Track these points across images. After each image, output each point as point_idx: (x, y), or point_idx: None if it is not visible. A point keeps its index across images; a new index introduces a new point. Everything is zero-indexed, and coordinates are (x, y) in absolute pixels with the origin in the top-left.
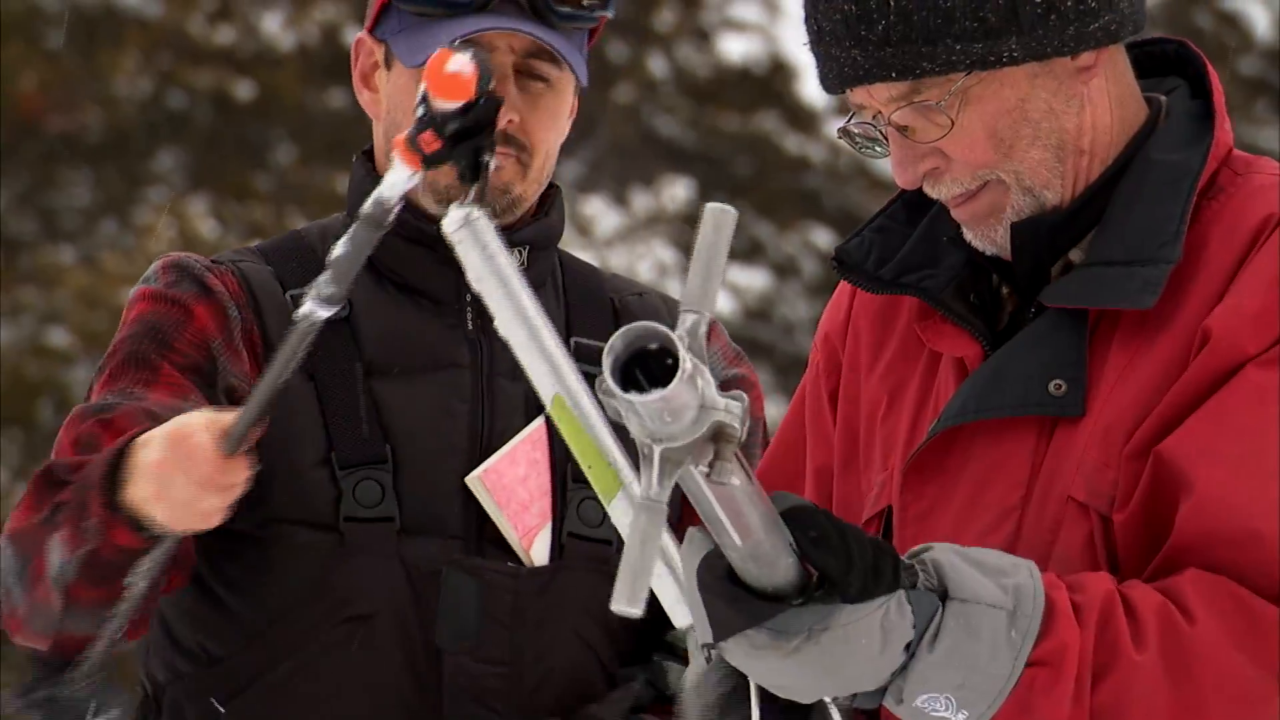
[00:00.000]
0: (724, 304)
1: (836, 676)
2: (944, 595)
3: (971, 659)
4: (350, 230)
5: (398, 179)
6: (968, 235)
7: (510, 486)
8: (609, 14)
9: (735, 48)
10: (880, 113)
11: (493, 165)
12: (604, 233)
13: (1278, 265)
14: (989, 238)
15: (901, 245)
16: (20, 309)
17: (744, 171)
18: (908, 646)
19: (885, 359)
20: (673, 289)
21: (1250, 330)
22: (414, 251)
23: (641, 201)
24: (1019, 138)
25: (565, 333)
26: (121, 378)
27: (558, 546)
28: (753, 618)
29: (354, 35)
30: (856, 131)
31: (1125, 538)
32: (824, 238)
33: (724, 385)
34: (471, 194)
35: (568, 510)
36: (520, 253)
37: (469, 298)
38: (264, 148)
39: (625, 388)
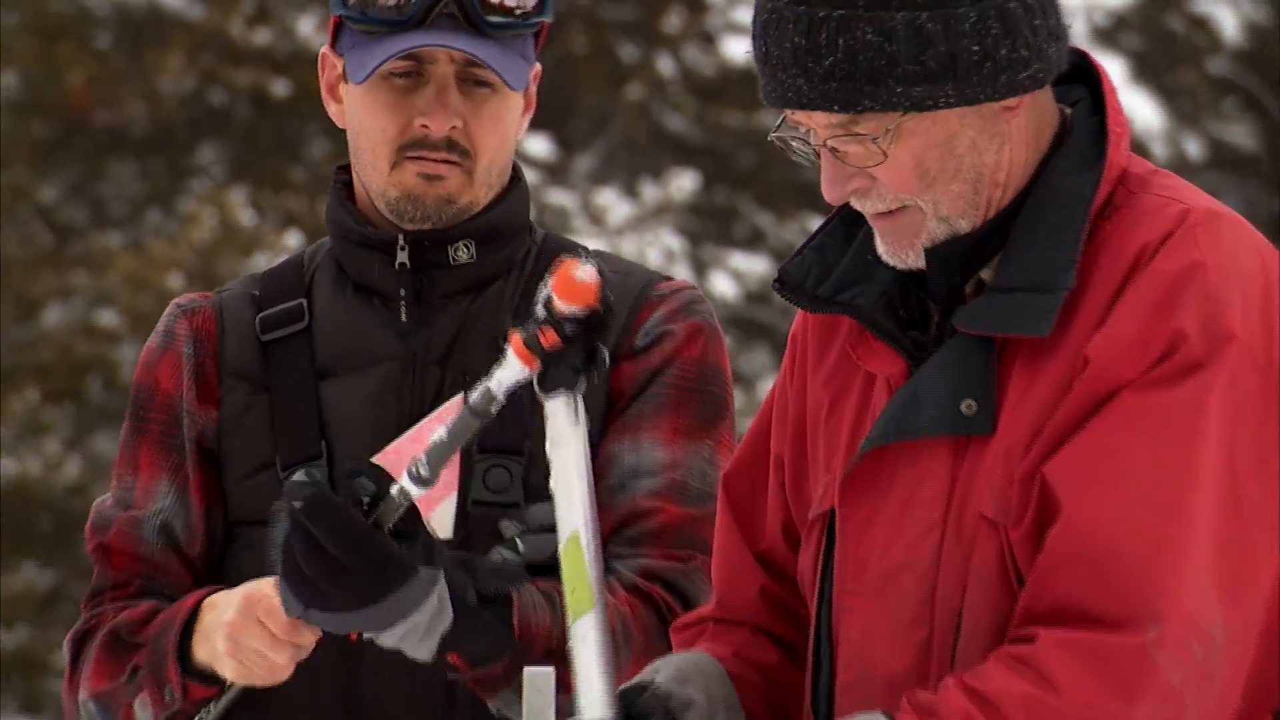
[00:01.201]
0: (728, 287)
1: None
2: None
3: None
4: (453, 420)
5: (508, 376)
6: (880, 249)
7: (405, 461)
8: (547, 19)
9: (738, 49)
10: (816, 132)
11: (605, 359)
12: (615, 222)
13: (1153, 292)
14: (900, 257)
15: (839, 261)
16: (71, 291)
17: (746, 165)
18: None
19: (828, 365)
20: (679, 273)
21: (1126, 357)
22: (370, 255)
23: (650, 192)
24: (943, 171)
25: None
26: (122, 465)
27: (463, 514)
28: None
29: None
30: (792, 141)
31: (1021, 554)
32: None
33: (649, 346)
34: (581, 382)
35: (473, 480)
36: (467, 247)
37: (403, 292)
38: (298, 142)
39: None
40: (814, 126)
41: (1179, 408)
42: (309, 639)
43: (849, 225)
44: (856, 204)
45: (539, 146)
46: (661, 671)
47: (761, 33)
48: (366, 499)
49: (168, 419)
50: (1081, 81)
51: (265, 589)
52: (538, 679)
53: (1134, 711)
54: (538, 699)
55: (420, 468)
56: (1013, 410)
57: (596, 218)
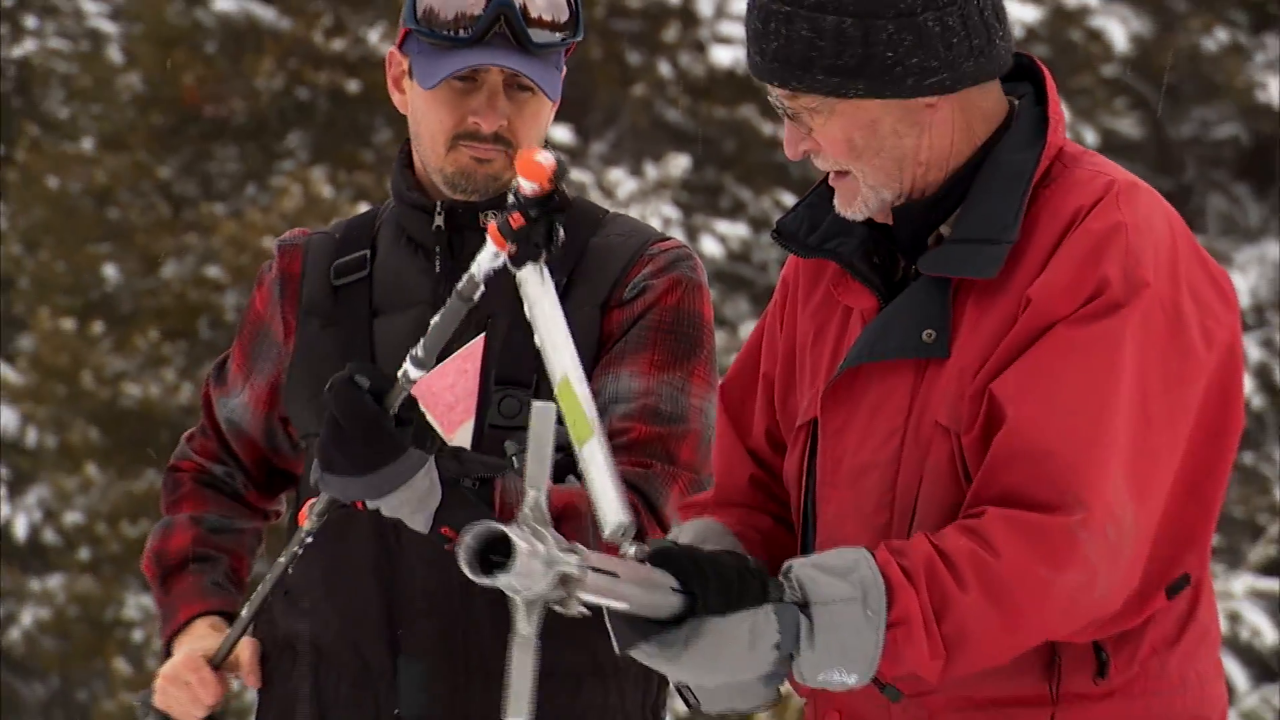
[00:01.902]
0: (714, 248)
1: (714, 670)
2: (807, 603)
3: (842, 643)
4: (446, 304)
5: (486, 259)
6: (836, 205)
7: (437, 393)
8: (579, 38)
9: (724, 55)
10: (780, 101)
11: (560, 236)
12: (623, 195)
13: (1083, 246)
14: (846, 211)
15: (825, 217)
16: (185, 249)
17: (729, 150)
18: (777, 645)
19: (814, 301)
20: (674, 233)
21: (1060, 297)
22: (416, 215)
23: (651, 172)
24: (868, 148)
25: (563, 275)
26: (232, 349)
27: (480, 434)
28: (640, 635)
29: None
30: (776, 104)
31: (970, 455)
32: (789, 199)
33: (634, 297)
34: (545, 254)
35: (489, 407)
36: (495, 214)
37: (438, 248)
38: (367, 130)
39: (487, 570)
40: (778, 96)
41: (1102, 339)
42: (214, 698)
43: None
44: (814, 163)
45: (562, 134)
46: (682, 535)
47: (746, 16)
48: (360, 375)
49: (254, 332)
50: (1028, 79)
51: (200, 657)
52: (542, 412)
53: (1058, 577)
54: (541, 429)
55: (418, 351)
56: (965, 339)
57: (609, 192)
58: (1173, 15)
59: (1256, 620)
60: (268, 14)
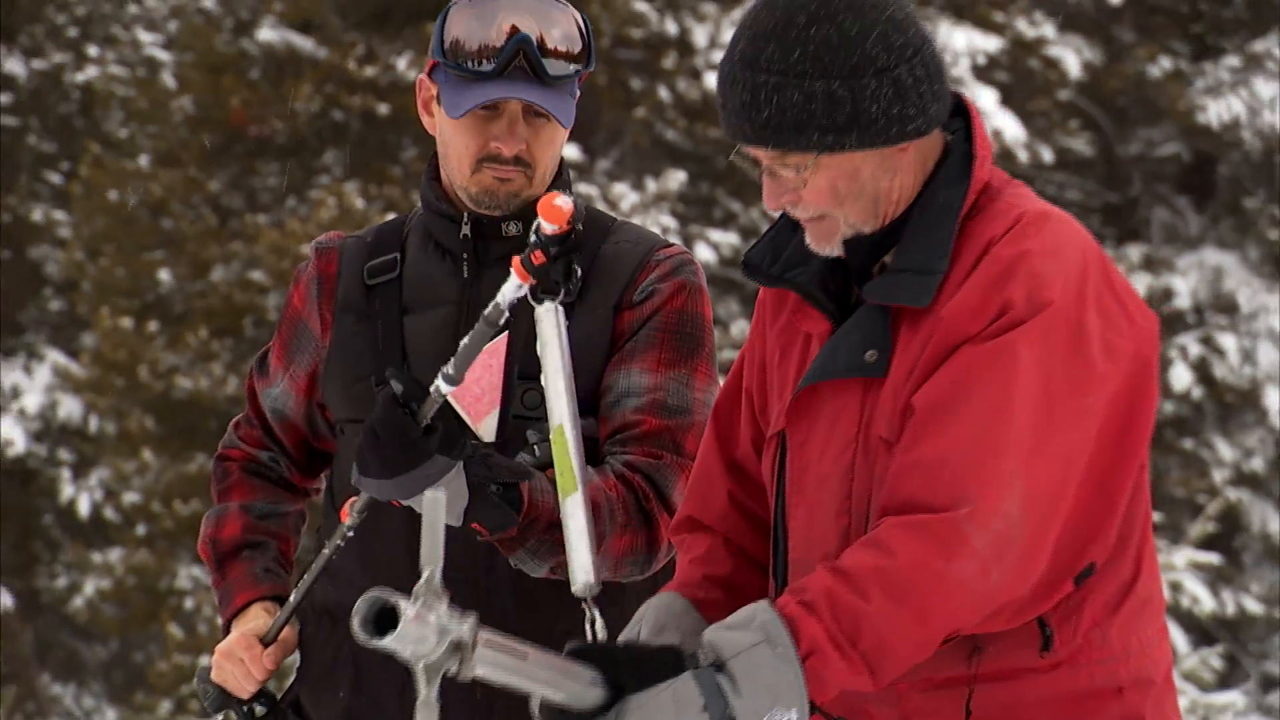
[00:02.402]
0: (708, 254)
1: None
2: (722, 662)
3: (765, 685)
4: (474, 328)
5: (510, 290)
6: (809, 242)
7: (466, 387)
8: (590, 68)
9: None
10: (760, 160)
11: (579, 274)
12: (625, 208)
13: (991, 272)
14: (822, 249)
15: (786, 248)
16: (231, 256)
17: (721, 166)
18: (704, 708)
19: (780, 324)
20: (672, 238)
21: (969, 319)
22: (444, 224)
23: (651, 186)
24: (849, 194)
25: (589, 261)
26: (272, 344)
27: (504, 424)
28: None
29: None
30: (745, 159)
31: None
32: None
33: (643, 300)
34: (563, 292)
35: (512, 399)
36: (516, 225)
37: (465, 254)
38: (396, 148)
39: (381, 633)
40: (759, 156)
41: (1001, 355)
42: (264, 674)
43: (795, 222)
44: (791, 212)
45: (570, 152)
46: (643, 626)
47: (721, 86)
48: (400, 390)
49: (293, 327)
50: (961, 115)
51: (253, 636)
52: (433, 501)
53: (950, 566)
54: (433, 515)
55: (449, 369)
56: (898, 359)
57: (613, 204)
58: (1121, 45)
59: (1196, 590)
60: (306, 44)
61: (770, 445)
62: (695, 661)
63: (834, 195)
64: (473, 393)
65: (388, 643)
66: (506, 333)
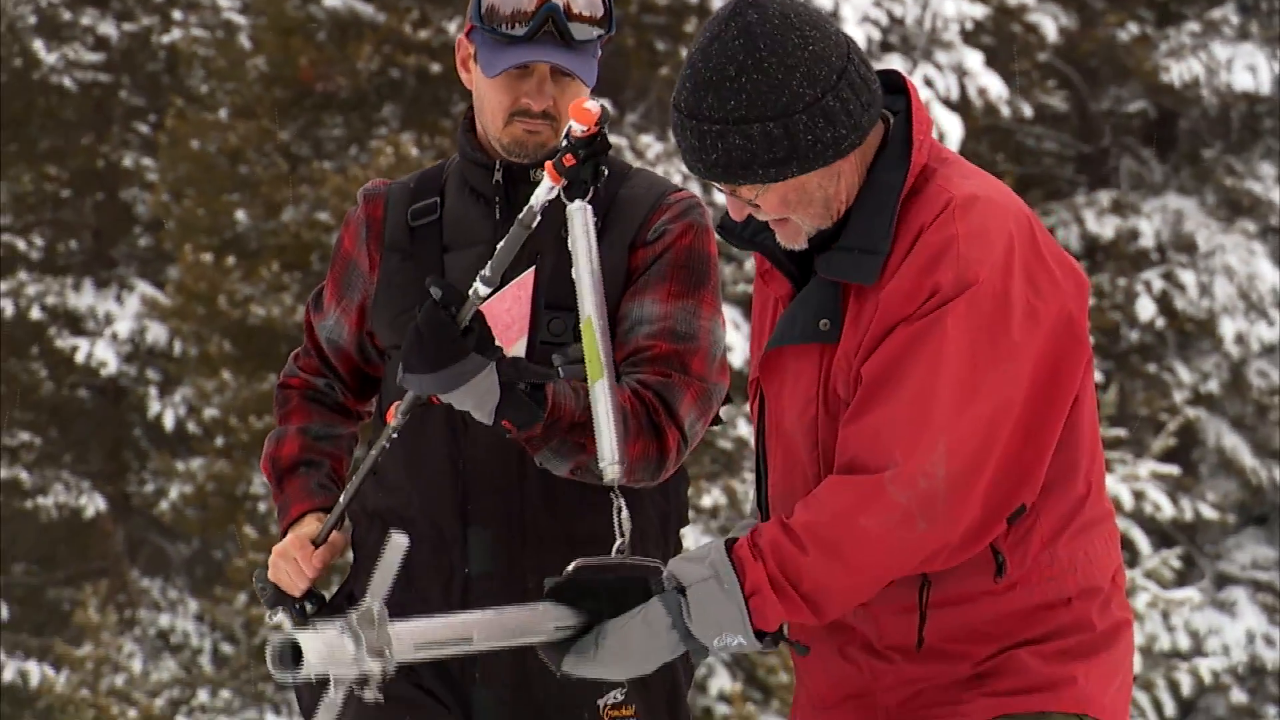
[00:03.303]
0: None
1: (630, 659)
2: (683, 589)
3: (712, 614)
4: (510, 232)
5: (542, 192)
6: (779, 239)
7: (497, 315)
8: (611, 33)
9: None
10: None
11: (604, 173)
12: (651, 155)
13: (922, 256)
14: (790, 245)
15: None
16: (300, 198)
17: None
18: (673, 625)
19: (757, 283)
20: (692, 187)
21: (903, 301)
22: (478, 170)
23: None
24: (800, 203)
25: (597, 221)
26: (326, 282)
27: (531, 349)
28: (559, 655)
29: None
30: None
31: None
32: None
33: (655, 239)
34: (591, 191)
35: (540, 326)
36: (542, 171)
37: (497, 198)
38: (447, 103)
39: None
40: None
41: (929, 333)
42: (314, 572)
43: None
44: (757, 216)
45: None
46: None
47: (673, 129)
48: (440, 295)
49: (344, 266)
50: (902, 92)
51: (305, 538)
52: (395, 543)
53: (871, 519)
54: (392, 557)
55: (486, 271)
56: (849, 328)
57: (640, 154)
58: (1093, 11)
59: (1158, 498)
60: (367, 9)
61: (752, 391)
62: (661, 587)
63: (787, 206)
64: (503, 321)
65: (310, 669)
66: (533, 268)
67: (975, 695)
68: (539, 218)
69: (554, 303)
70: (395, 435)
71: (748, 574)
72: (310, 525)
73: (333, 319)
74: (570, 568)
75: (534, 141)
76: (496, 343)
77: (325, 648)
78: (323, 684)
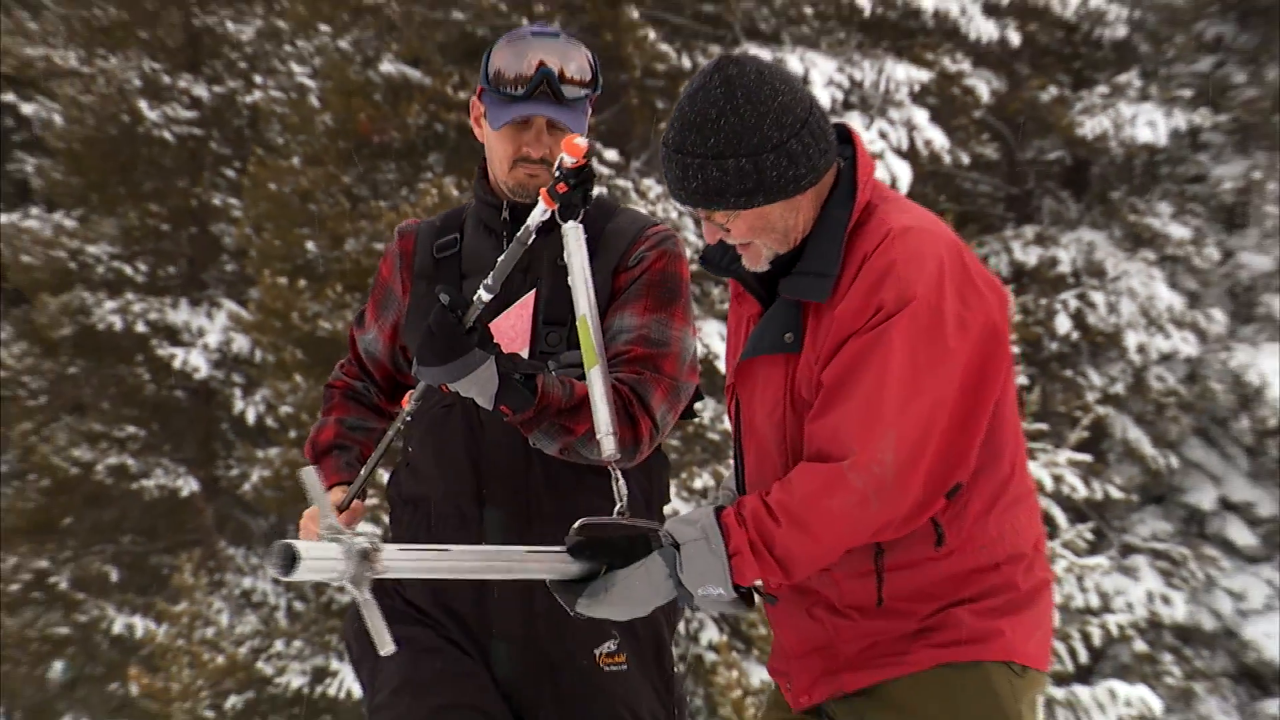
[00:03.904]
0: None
1: (634, 601)
2: (678, 545)
3: (699, 569)
4: (509, 247)
5: (537, 214)
6: (743, 262)
7: (504, 330)
8: (597, 92)
9: None
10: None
11: (593, 197)
12: (652, 195)
13: (868, 280)
14: (752, 268)
15: (732, 248)
16: (360, 231)
17: None
18: (669, 575)
19: (731, 305)
20: (688, 222)
21: (854, 317)
22: (489, 210)
23: None
24: (764, 230)
25: (595, 236)
26: (367, 303)
27: (533, 356)
28: (574, 595)
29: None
30: (692, 212)
31: None
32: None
33: (635, 265)
34: (581, 213)
35: (539, 339)
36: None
37: (504, 233)
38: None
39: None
40: (698, 211)
41: (877, 344)
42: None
43: None
44: (727, 240)
45: (611, 155)
46: (721, 493)
47: (662, 162)
48: (448, 301)
49: (381, 291)
50: (850, 143)
51: (330, 505)
52: (308, 476)
53: (834, 501)
54: (315, 491)
55: (489, 280)
56: (809, 340)
57: (643, 194)
58: (1019, 76)
59: (1073, 480)
60: (415, 73)
61: (728, 395)
62: (660, 543)
63: (752, 233)
64: (508, 335)
65: (300, 574)
66: (534, 291)
67: (920, 647)
68: (534, 235)
69: (550, 319)
70: (409, 418)
71: (731, 537)
72: (336, 495)
73: (371, 334)
74: (576, 525)
75: (534, 184)
76: (495, 340)
77: (317, 552)
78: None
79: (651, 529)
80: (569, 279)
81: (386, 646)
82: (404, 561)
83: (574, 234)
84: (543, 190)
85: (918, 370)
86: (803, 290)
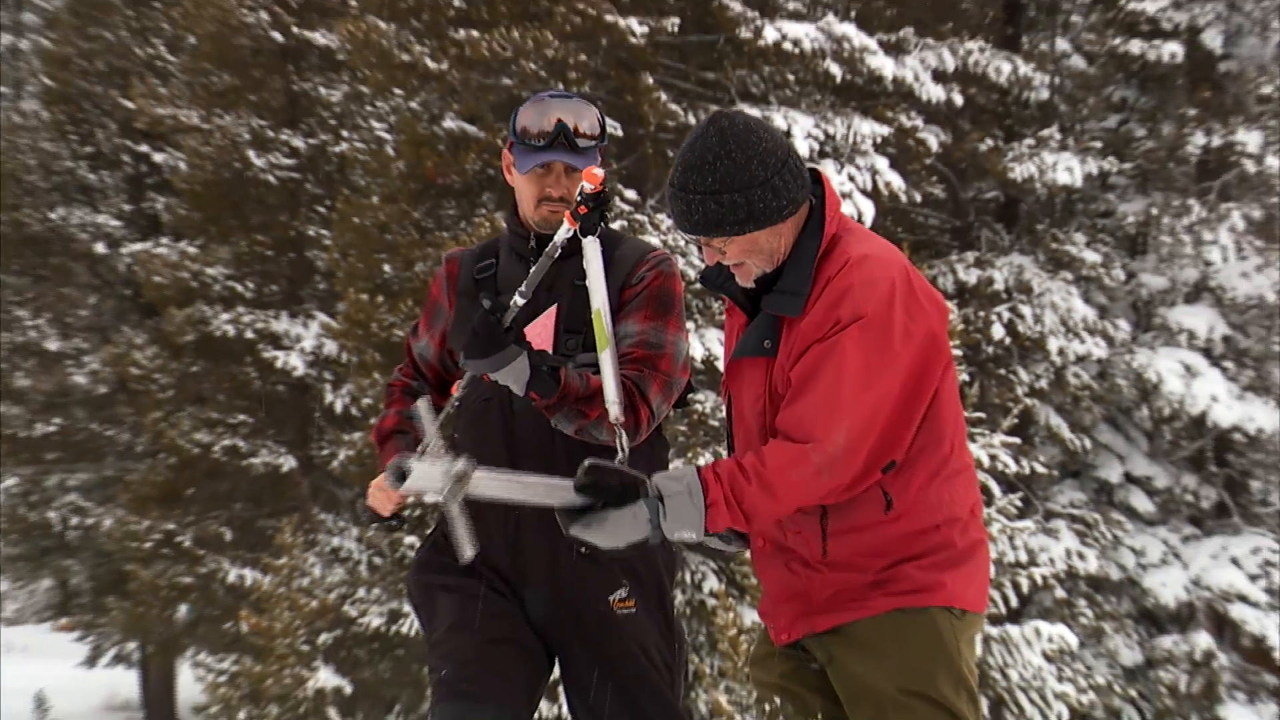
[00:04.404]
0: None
1: (618, 535)
2: (662, 496)
3: (680, 516)
4: (539, 260)
5: (561, 233)
6: (737, 279)
7: (532, 336)
8: (604, 143)
9: None
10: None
11: (609, 217)
12: (664, 227)
13: (830, 298)
14: (743, 284)
15: (726, 270)
16: (426, 257)
17: None
18: (649, 519)
19: (726, 315)
20: (692, 251)
21: (816, 328)
22: (521, 241)
23: None
24: (753, 252)
25: (606, 260)
26: (420, 318)
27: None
28: (572, 520)
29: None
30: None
31: None
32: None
33: (637, 283)
34: (599, 229)
35: (560, 344)
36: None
37: (532, 257)
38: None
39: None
40: (697, 239)
41: (834, 349)
42: (398, 501)
43: None
44: (722, 261)
45: (630, 194)
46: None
47: (667, 199)
48: (489, 305)
49: (432, 306)
50: (820, 183)
51: (382, 480)
52: (422, 407)
53: (795, 472)
54: (426, 415)
55: (523, 287)
56: (784, 347)
57: (656, 226)
58: (962, 131)
59: (1006, 459)
60: (472, 128)
61: (723, 390)
62: (648, 492)
63: (744, 254)
64: (536, 341)
65: (409, 485)
66: (556, 305)
67: (877, 595)
68: (559, 250)
69: (570, 328)
70: (458, 404)
71: (709, 491)
72: None
73: (424, 342)
74: (585, 465)
75: (555, 219)
76: (527, 339)
77: (424, 469)
78: (418, 575)
79: (641, 479)
80: (587, 281)
81: (468, 551)
82: (489, 483)
83: (592, 247)
84: (566, 213)
85: (868, 371)
86: (779, 306)
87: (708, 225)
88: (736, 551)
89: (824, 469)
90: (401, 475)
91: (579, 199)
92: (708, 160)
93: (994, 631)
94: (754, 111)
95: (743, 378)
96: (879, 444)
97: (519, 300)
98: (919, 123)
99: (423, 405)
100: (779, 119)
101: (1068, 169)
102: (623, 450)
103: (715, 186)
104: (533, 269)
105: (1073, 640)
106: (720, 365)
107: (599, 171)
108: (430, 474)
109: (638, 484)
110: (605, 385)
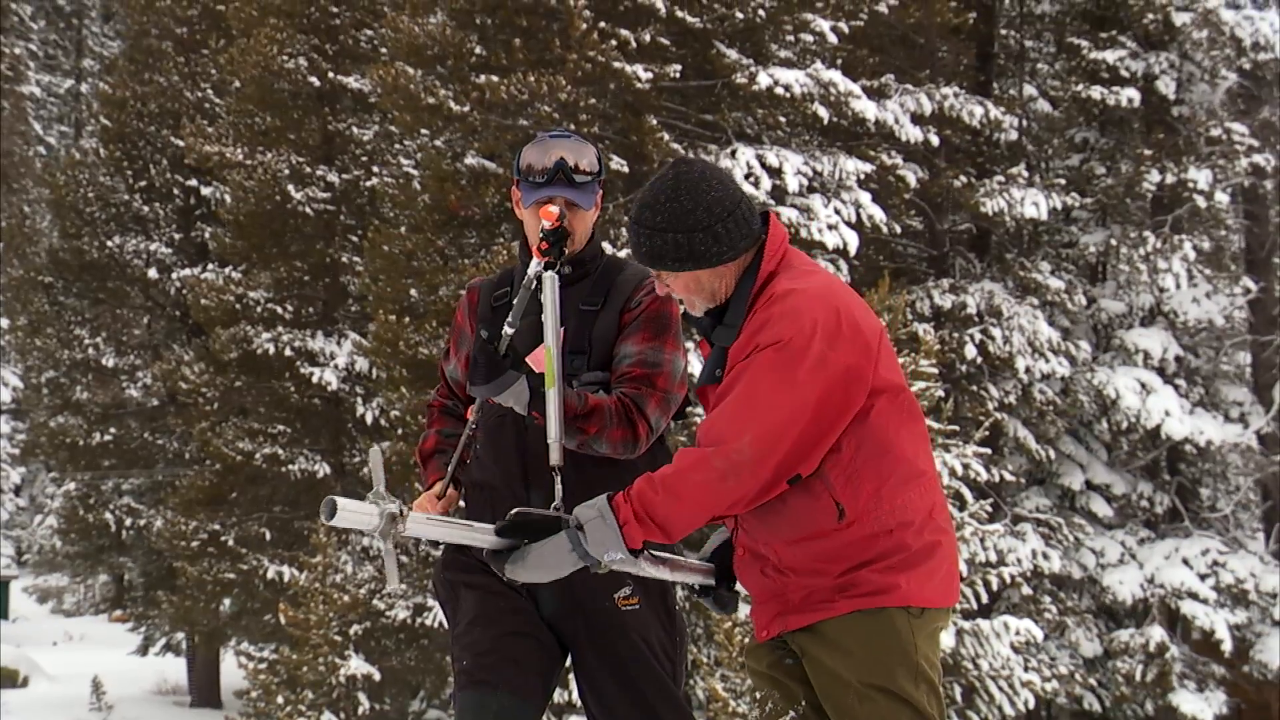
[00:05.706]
0: None
1: (542, 570)
2: (581, 525)
3: (599, 538)
4: (519, 293)
5: (533, 266)
6: (685, 308)
7: (540, 357)
8: (602, 178)
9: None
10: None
11: (565, 252)
12: None
13: (753, 326)
14: (692, 313)
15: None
16: (450, 282)
17: None
18: (572, 550)
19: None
20: None
21: (740, 352)
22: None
23: None
24: (696, 289)
25: (601, 297)
26: (449, 342)
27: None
28: (501, 560)
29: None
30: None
31: None
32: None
33: (636, 306)
34: (559, 264)
35: (566, 364)
36: (566, 265)
37: (533, 287)
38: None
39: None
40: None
41: (749, 369)
42: (439, 512)
43: None
44: (671, 293)
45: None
46: (715, 540)
47: (627, 232)
48: (487, 335)
49: (458, 332)
50: (767, 222)
51: (433, 495)
52: (374, 453)
53: (697, 476)
54: (374, 461)
55: (510, 318)
56: (726, 374)
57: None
58: (938, 168)
59: (978, 468)
60: (491, 165)
61: (703, 405)
62: (567, 524)
63: (687, 290)
64: (542, 361)
65: (337, 520)
66: (562, 329)
67: (841, 598)
68: (535, 282)
69: (575, 349)
70: (475, 427)
71: (620, 512)
72: (437, 487)
73: (453, 364)
74: (510, 513)
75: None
76: (526, 362)
77: (353, 507)
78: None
79: (560, 516)
80: (542, 316)
81: (392, 584)
82: (422, 525)
83: (550, 283)
84: (535, 249)
85: (775, 390)
86: (722, 339)
87: (651, 258)
88: (734, 612)
89: (728, 473)
90: (331, 511)
91: (541, 235)
92: (660, 200)
93: (966, 625)
94: (748, 150)
95: (706, 403)
96: (788, 458)
97: (508, 330)
98: (899, 161)
99: (373, 453)
100: (771, 157)
101: (1034, 203)
102: (557, 496)
103: (661, 225)
104: (515, 300)
105: (1038, 633)
106: None
107: (554, 209)
108: (360, 512)
109: (557, 520)
110: (548, 421)
